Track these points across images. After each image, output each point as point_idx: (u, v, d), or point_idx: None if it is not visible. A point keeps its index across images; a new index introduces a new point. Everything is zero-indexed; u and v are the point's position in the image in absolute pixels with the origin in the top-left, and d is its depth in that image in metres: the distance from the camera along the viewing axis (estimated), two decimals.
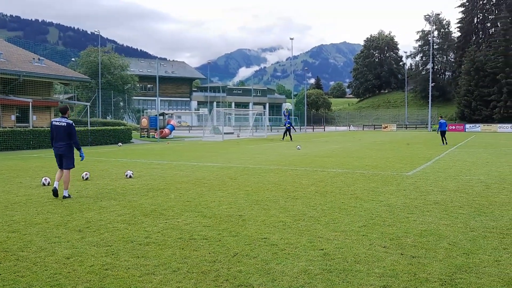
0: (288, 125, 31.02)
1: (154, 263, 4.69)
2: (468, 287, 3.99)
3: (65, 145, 8.63)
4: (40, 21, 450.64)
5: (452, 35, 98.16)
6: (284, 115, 30.53)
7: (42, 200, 8.46)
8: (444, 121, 27.07)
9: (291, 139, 29.77)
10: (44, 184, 10.21)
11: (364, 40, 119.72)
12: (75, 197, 8.72)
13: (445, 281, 4.13)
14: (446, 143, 25.94)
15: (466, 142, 29.52)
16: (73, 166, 8.85)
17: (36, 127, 28.04)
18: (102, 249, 5.22)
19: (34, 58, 33.42)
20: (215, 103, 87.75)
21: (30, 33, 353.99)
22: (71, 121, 8.71)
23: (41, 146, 24.61)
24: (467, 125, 62.71)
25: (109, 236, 5.83)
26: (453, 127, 62.84)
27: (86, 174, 11.43)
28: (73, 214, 7.14)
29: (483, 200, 8.11)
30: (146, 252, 5.10)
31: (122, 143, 29.44)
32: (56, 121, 8.67)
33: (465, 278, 4.20)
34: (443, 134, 26.53)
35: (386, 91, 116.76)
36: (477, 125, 62.47)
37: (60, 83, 40.78)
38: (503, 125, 60.88)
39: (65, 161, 8.71)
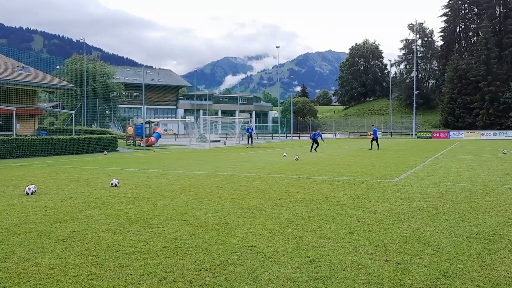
0: (318, 137, 30.05)
1: (139, 273, 4.65)
2: None
3: None
4: (24, 28, 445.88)
5: (435, 43, 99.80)
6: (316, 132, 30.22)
7: (26, 209, 8.33)
8: (376, 128, 31.12)
9: (314, 150, 29.49)
10: (27, 193, 10.06)
11: (349, 49, 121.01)
12: (59, 207, 8.61)
13: (430, 287, 4.17)
14: (378, 148, 29.73)
15: (450, 149, 29.91)
16: None
17: (20, 135, 27.66)
18: (87, 259, 5.16)
19: (18, 66, 33.02)
20: (201, 111, 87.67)
21: (14, 40, 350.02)
22: None
23: (24, 155, 24.28)
24: (451, 132, 63.63)
25: (94, 245, 5.77)
26: (437, 134, 63.71)
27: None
28: (57, 224, 7.04)
29: (466, 206, 8.22)
30: (132, 261, 5.06)
31: (107, 152, 29.18)
32: None
33: (450, 284, 4.25)
34: (376, 140, 30.44)
35: (371, 99, 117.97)
36: (461, 132, 63.42)
37: (45, 91, 40.30)
38: (486, 132, 61.93)
39: None
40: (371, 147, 30.40)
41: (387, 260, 5.00)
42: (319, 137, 29.42)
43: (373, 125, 34.34)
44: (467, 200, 8.89)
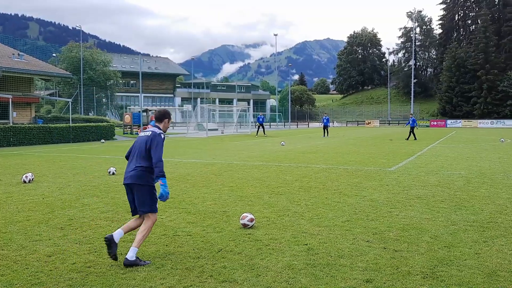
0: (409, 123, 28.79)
1: None
2: (449, 280, 4.05)
3: (138, 168, 4.78)
4: (19, 15, 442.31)
5: (434, 32, 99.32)
6: None
7: (23, 197, 8.32)
8: (328, 117, 33.69)
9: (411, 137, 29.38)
10: (24, 182, 10.04)
11: (348, 37, 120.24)
12: (56, 195, 8.59)
13: (427, 274, 4.19)
14: (328, 136, 31.60)
15: (447, 138, 29.95)
16: (154, 210, 4.81)
17: (16, 123, 27.54)
18: (85, 247, 5.16)
19: (14, 54, 32.73)
20: (199, 100, 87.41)
21: (9, 27, 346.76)
22: (159, 131, 4.91)
23: (21, 143, 24.20)
24: (449, 121, 63.66)
25: (91, 233, 5.77)
26: (435, 123, 63.75)
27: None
28: (55, 212, 7.04)
29: (463, 195, 8.24)
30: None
31: (105, 140, 29.11)
32: (143, 132, 5.10)
33: (447, 271, 4.27)
34: (325, 128, 32.45)
35: (369, 88, 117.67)
36: (458, 120, 63.48)
37: (41, 79, 40.08)
38: (483, 120, 62.00)
39: (138, 199, 4.80)
40: (324, 135, 31.98)
41: (385, 248, 5.01)
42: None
43: (325, 113, 36.49)
44: (464, 188, 8.91)
